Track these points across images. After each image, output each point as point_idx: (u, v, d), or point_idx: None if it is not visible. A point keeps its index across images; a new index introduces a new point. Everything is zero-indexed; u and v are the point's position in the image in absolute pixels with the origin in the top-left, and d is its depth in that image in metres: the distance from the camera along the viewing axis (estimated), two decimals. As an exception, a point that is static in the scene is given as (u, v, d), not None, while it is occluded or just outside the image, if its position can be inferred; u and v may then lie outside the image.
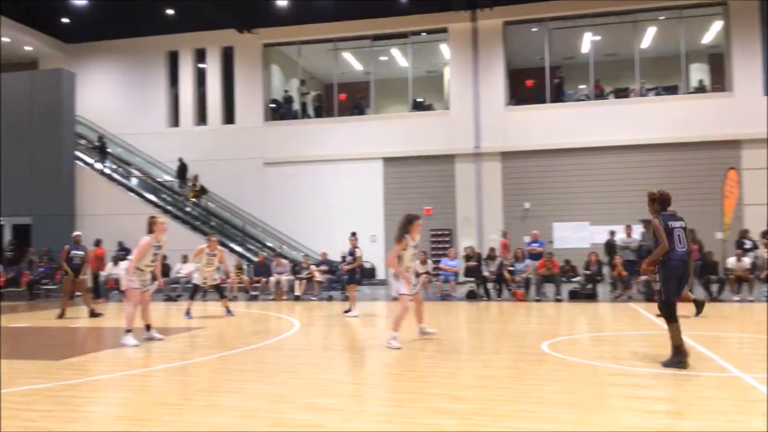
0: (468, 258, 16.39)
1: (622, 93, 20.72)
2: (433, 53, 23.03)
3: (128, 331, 8.58)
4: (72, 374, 6.70)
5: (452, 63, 21.20)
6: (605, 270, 15.20)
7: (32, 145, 19.54)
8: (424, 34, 21.90)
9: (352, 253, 13.34)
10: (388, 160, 20.97)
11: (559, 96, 20.84)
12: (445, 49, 21.99)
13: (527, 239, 17.57)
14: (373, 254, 19.23)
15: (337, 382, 6.20)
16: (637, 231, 15.34)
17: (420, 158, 20.67)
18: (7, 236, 19.99)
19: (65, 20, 22.54)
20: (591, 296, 14.67)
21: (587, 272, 14.95)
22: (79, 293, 13.37)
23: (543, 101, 20.68)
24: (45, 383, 6.15)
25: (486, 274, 15.54)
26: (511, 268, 15.58)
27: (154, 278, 9.36)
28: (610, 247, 15.65)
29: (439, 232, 20.41)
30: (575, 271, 15.35)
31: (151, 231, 8.91)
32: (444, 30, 21.28)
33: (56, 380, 6.32)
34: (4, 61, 23.25)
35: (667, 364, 6.30)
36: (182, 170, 21.68)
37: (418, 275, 9.24)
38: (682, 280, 6.45)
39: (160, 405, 5.29)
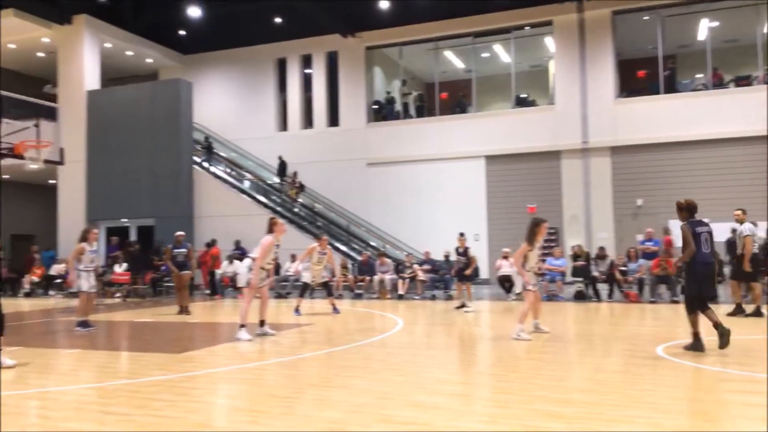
0: (575, 257, 15.90)
1: (743, 81, 19.36)
2: (537, 47, 22.52)
3: (242, 326, 8.99)
4: (191, 367, 7.13)
5: (557, 56, 20.65)
6: (726, 270, 14.25)
7: (154, 151, 20.89)
8: (528, 28, 21.45)
9: (464, 253, 13.52)
10: (491, 158, 20.72)
11: (672, 86, 19.77)
12: (549, 42, 21.44)
13: (640, 237, 16.79)
14: (477, 253, 19.01)
15: (441, 381, 6.21)
16: (762, 228, 14.25)
17: (524, 155, 20.27)
18: (132, 237, 21.50)
19: (182, 33, 24.02)
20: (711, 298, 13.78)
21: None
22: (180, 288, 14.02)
23: (656, 92, 19.69)
24: (167, 375, 6.58)
25: (595, 273, 15.01)
26: (623, 268, 14.96)
27: (266, 276, 9.77)
28: (732, 245, 14.64)
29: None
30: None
31: (271, 231, 9.28)
32: (548, 23, 20.76)
33: (177, 372, 6.75)
34: (128, 73, 25.09)
35: (688, 348, 7.14)
36: (282, 168, 22.49)
37: (540, 275, 9.64)
38: (706, 279, 7.19)
39: (272, 398, 5.51)
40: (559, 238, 19.64)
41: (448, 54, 23.08)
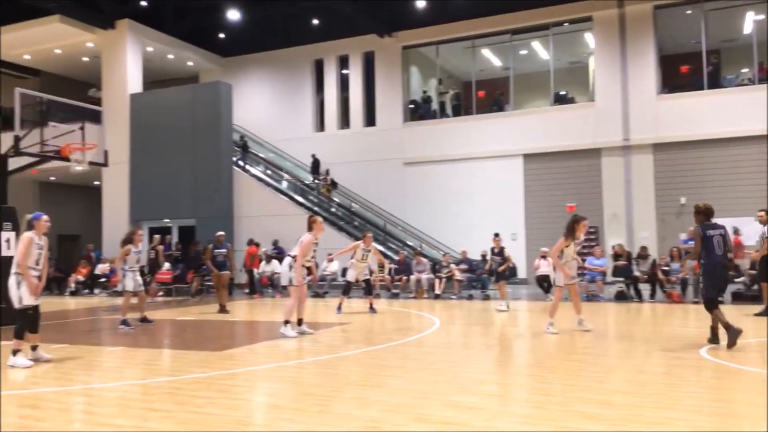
0: (616, 257, 15.63)
1: (792, 75, 18.75)
2: (577, 43, 22.20)
3: (287, 322, 9.13)
4: (231, 364, 7.25)
5: (597, 52, 20.33)
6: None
7: (195, 152, 21.27)
8: (567, 24, 21.17)
9: (499, 253, 13.50)
10: (529, 157, 20.50)
11: (716, 81, 19.26)
12: (589, 38, 21.12)
13: (683, 236, 16.42)
14: (514, 253, 18.85)
15: (479, 381, 6.18)
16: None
17: (563, 153, 20.01)
18: (174, 237, 21.93)
19: (222, 36, 24.42)
20: (757, 298, 13.41)
21: (752, 272, 13.68)
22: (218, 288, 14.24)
23: (700, 88, 19.22)
24: (208, 372, 6.70)
25: (637, 273, 14.73)
26: (665, 268, 14.64)
27: (308, 273, 9.89)
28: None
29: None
30: (739, 271, 14.10)
31: (310, 229, 9.38)
32: (588, 19, 20.44)
33: (217, 369, 6.86)
34: (169, 76, 25.60)
35: (730, 345, 7.17)
36: (315, 166, 22.67)
37: (582, 272, 9.82)
38: (719, 279, 7.75)
39: (310, 396, 5.56)
40: (599, 238, 19.32)
41: (486, 52, 22.93)
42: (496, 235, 14.03)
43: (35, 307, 7.41)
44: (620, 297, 14.86)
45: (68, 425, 4.87)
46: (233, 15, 22.33)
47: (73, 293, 20.69)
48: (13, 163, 12.36)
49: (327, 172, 22.38)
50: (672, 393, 5.40)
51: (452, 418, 4.72)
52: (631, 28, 19.66)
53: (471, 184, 20.95)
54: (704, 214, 7.72)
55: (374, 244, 13.61)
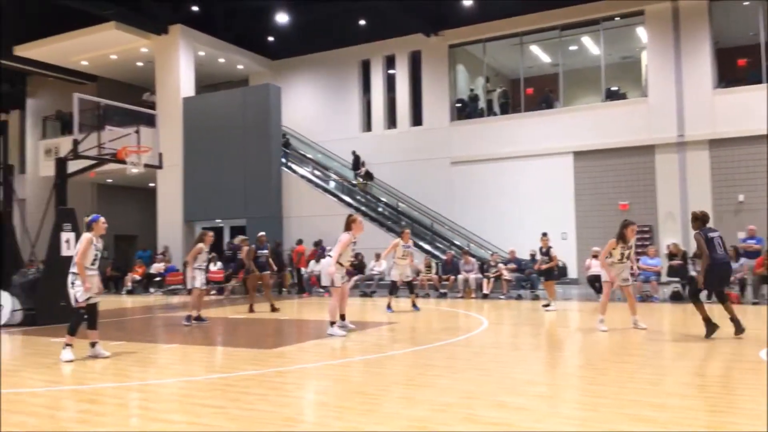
0: (671, 256, 15.23)
1: None
2: (628, 38, 21.69)
3: (332, 323, 9.25)
4: (281, 362, 7.36)
5: (650, 47, 19.80)
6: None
7: (245, 154, 21.65)
8: (618, 18, 20.69)
9: (547, 252, 13.36)
10: (579, 154, 20.13)
11: (777, 74, 18.52)
12: (641, 32, 20.60)
13: (742, 235, 15.85)
14: (565, 252, 18.59)
15: (528, 382, 6.12)
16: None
17: (614, 150, 19.57)
18: (226, 237, 22.38)
19: (271, 39, 24.79)
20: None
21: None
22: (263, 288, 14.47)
23: (758, 81, 18.49)
24: (259, 369, 6.82)
25: (693, 273, 14.29)
26: (722, 268, 14.15)
27: (350, 273, 9.99)
28: None
29: (638, 229, 19.08)
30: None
31: (349, 228, 9.47)
32: (640, 12, 19.93)
33: (268, 367, 6.98)
34: (220, 79, 26.13)
35: (707, 336, 8.27)
36: (356, 162, 22.83)
37: (633, 274, 10.22)
38: (723, 276, 8.58)
39: (358, 394, 5.60)
40: (653, 237, 18.84)
41: (534, 48, 22.63)
42: (544, 234, 13.88)
43: (93, 306, 7.70)
44: (675, 297, 14.46)
45: (125, 420, 5.03)
46: (282, 18, 22.64)
47: (129, 292, 21.34)
48: (72, 165, 12.83)
49: (363, 164, 22.52)
50: (730, 397, 5.24)
51: (500, 419, 4.69)
52: (685, 21, 19.08)
53: (519, 183, 20.70)
54: (701, 220, 8.59)
55: (412, 241, 13.58)
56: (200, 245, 11.31)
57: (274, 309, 13.42)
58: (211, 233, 11.74)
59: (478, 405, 5.12)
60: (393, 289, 13.40)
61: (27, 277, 11.89)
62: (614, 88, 20.97)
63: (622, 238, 9.46)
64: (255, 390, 5.80)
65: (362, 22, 23.04)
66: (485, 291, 16.41)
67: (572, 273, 18.56)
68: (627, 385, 5.74)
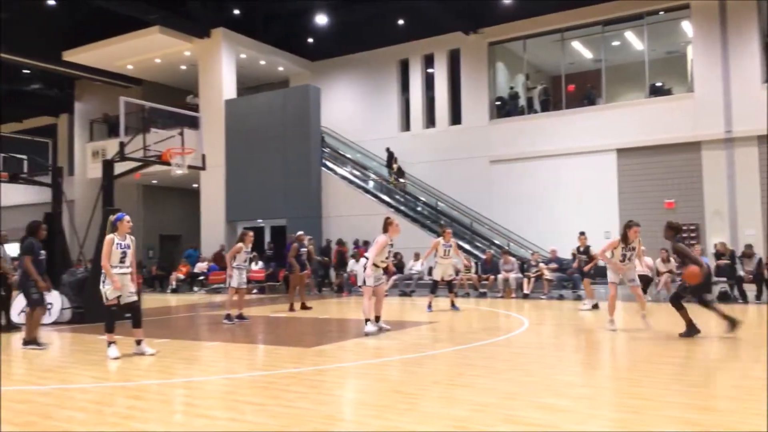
0: (719, 255, 14.81)
1: None
2: (673, 32, 21.18)
3: (367, 320, 9.36)
4: (321, 360, 7.43)
5: (696, 41, 19.30)
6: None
7: (285, 154, 21.88)
8: (662, 13, 20.22)
9: (585, 252, 13.18)
10: (623, 152, 19.75)
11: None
12: (686, 26, 20.09)
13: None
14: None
15: (569, 383, 6.04)
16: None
17: (659, 147, 19.14)
18: (267, 237, 22.66)
19: (310, 40, 25.00)
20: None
21: None
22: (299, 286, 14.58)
23: (810, 75, 17.87)
24: (299, 368, 6.90)
25: (741, 273, 13.90)
26: (772, 267, 13.75)
27: (389, 272, 10.03)
28: None
29: (683, 228, 18.69)
30: None
31: (386, 230, 9.54)
32: (686, 6, 19.44)
33: (308, 365, 7.05)
34: (261, 81, 26.47)
35: (684, 336, 8.44)
36: (390, 159, 22.89)
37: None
38: (708, 284, 9.11)
39: (398, 393, 5.62)
40: (699, 236, 18.36)
41: (576, 44, 22.29)
42: (582, 233, 13.69)
43: (133, 304, 7.88)
44: (723, 298, 14.07)
45: (170, 416, 5.15)
46: (321, 20, 22.82)
47: (174, 290, 21.79)
48: (119, 167, 13.16)
49: (395, 160, 22.54)
50: (780, 401, 5.07)
51: (541, 420, 4.65)
52: (732, 15, 18.54)
53: (561, 181, 20.42)
54: (676, 230, 8.81)
55: (453, 240, 13.52)
56: (240, 245, 11.56)
57: (305, 307, 13.59)
58: (251, 233, 11.94)
59: (519, 406, 5.08)
60: (434, 288, 13.38)
61: (75, 276, 12.26)
62: (659, 84, 20.50)
63: (624, 238, 9.48)
64: (295, 388, 5.87)
65: (401, 22, 23.05)
66: (526, 291, 16.25)
67: (615, 273, 18.19)
68: (671, 387, 5.62)
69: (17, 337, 9.97)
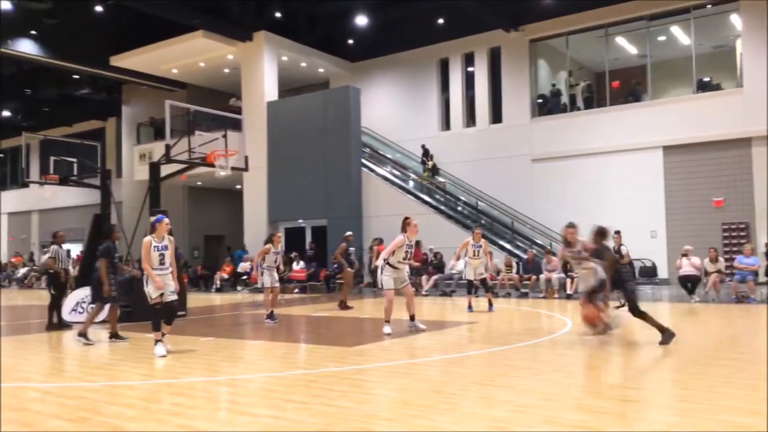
0: (771, 255, 14.33)
1: None
2: (722, 26, 20.58)
3: (387, 321, 9.45)
4: (362, 360, 7.47)
5: (745, 34, 18.71)
6: None
7: (326, 155, 22.05)
8: (710, 6, 19.68)
9: (618, 251, 12.89)
10: (669, 149, 19.28)
11: None
12: (735, 19, 19.50)
13: None
14: (654, 251, 17.88)
15: (613, 385, 5.94)
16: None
17: (707, 144, 18.62)
18: (308, 237, 22.87)
19: (350, 42, 25.14)
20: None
21: None
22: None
23: None
24: (340, 367, 6.95)
25: (794, 273, 13.42)
26: (828, 267, 13.25)
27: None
28: None
29: (733, 227, 18.17)
30: None
31: (404, 230, 9.52)
32: (734, -1, 18.90)
33: (349, 364, 7.10)
34: (302, 83, 26.72)
35: (662, 342, 7.81)
36: (425, 155, 22.93)
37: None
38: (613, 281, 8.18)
39: (437, 393, 5.61)
40: (749, 234, 17.80)
41: (620, 40, 21.85)
42: (617, 232, 13.41)
43: (169, 303, 8.03)
44: (776, 299, 13.61)
45: (214, 413, 5.26)
46: (361, 21, 22.92)
47: (218, 290, 22.19)
48: (165, 169, 13.47)
49: (431, 157, 22.49)
50: (836, 406, 4.89)
51: (583, 423, 4.58)
52: (785, 5, 17.93)
53: (604, 180, 20.06)
54: (603, 235, 8.48)
55: (484, 240, 13.38)
56: (268, 246, 11.72)
57: (346, 307, 13.69)
58: (279, 234, 12.29)
59: (560, 407, 5.02)
60: (470, 288, 13.31)
61: (123, 275, 12.58)
62: (706, 79, 19.96)
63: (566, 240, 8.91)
64: (336, 386, 5.92)
65: (440, 21, 22.98)
66: (569, 291, 16.01)
67: (662, 273, 17.81)
68: (721, 390, 5.48)
69: (68, 335, 10.31)
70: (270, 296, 11.72)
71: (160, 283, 7.89)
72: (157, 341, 7.93)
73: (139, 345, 8.97)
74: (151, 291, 7.93)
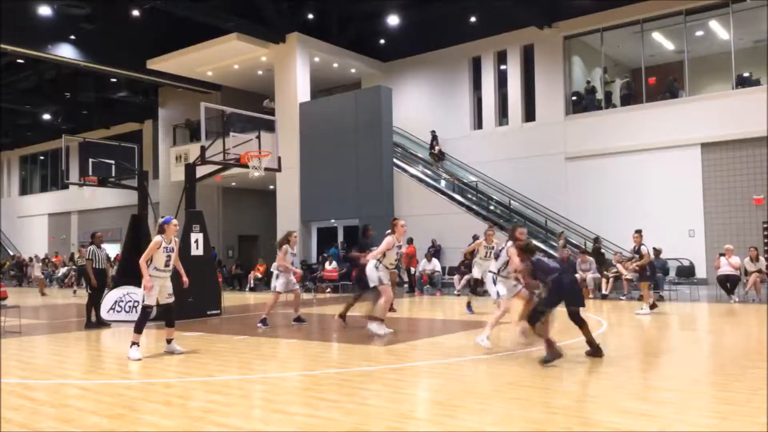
0: (814, 254, 13.91)
1: None
2: (761, 20, 20.01)
3: (380, 320, 9.39)
4: (394, 359, 7.47)
5: (787, 28, 18.20)
6: None
7: (357, 155, 22.09)
8: (749, 0, 19.19)
9: (638, 251, 12.49)
10: (707, 146, 18.86)
11: None
12: (777, 13, 18.97)
13: None
14: (692, 250, 17.53)
15: (651, 387, 5.83)
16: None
17: (748, 141, 18.16)
18: (340, 237, 22.96)
19: (382, 42, 25.17)
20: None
21: None
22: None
23: None
24: (373, 366, 6.96)
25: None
26: None
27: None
28: None
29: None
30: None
31: (393, 231, 9.43)
32: (775, -9, 18.39)
33: (382, 364, 7.11)
34: (334, 84, 26.84)
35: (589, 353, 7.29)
36: (433, 140, 23.20)
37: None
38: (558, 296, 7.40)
39: (471, 394, 5.58)
40: (793, 233, 17.32)
41: (656, 35, 21.45)
42: (637, 231, 12.85)
43: (167, 305, 7.97)
44: (820, 300, 13.21)
45: (248, 411, 5.31)
46: (392, 20, 22.92)
47: (252, 289, 22.43)
48: (200, 170, 13.66)
49: (437, 142, 22.61)
50: None
51: (619, 425, 4.51)
52: (829, -4, 17.39)
53: (640, 178, 19.70)
54: (532, 252, 7.63)
55: (496, 241, 13.10)
56: (285, 246, 11.03)
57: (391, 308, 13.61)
58: (295, 233, 11.47)
59: (596, 409, 4.95)
60: (476, 287, 13.08)
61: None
62: (746, 74, 19.48)
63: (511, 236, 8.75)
64: (369, 386, 5.93)
65: (473, 20, 22.84)
66: (604, 291, 15.78)
67: (701, 272, 17.45)
68: (761, 393, 5.33)
69: (107, 333, 10.53)
70: (276, 300, 11.15)
71: (150, 288, 7.71)
72: (133, 343, 7.74)
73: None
74: (144, 295, 7.82)
